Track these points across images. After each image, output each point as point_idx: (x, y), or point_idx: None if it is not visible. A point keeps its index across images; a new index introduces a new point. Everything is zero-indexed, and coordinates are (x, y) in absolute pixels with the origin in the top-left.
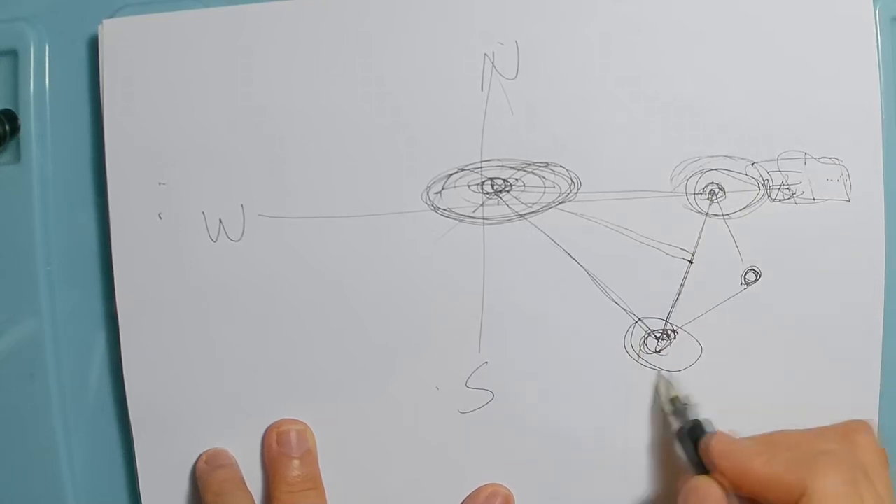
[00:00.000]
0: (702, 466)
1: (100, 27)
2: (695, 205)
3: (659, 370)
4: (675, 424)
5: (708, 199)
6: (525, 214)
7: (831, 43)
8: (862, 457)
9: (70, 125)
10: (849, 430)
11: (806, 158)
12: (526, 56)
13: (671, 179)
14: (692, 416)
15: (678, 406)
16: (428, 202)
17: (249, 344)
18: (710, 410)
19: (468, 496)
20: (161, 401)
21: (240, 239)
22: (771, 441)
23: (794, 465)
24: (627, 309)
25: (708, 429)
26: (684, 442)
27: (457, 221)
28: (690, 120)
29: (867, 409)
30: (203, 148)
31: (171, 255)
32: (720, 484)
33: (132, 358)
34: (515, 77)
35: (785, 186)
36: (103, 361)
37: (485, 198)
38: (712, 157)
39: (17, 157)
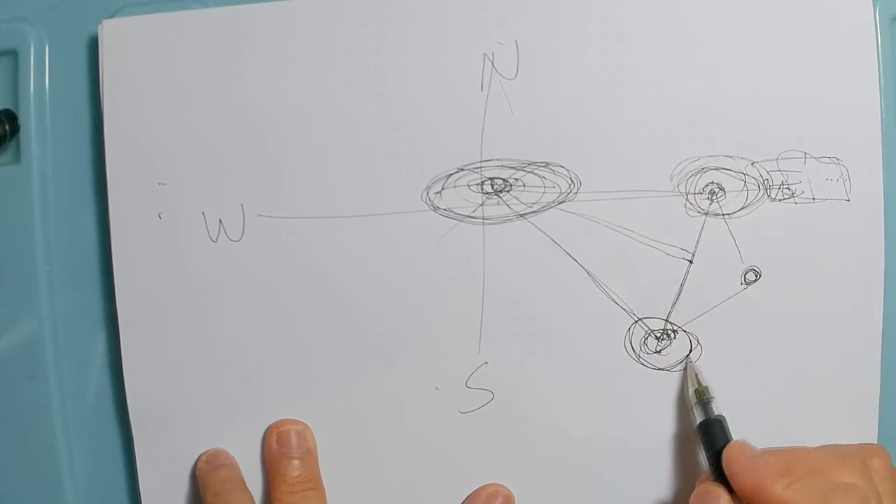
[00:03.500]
0: (718, 465)
1: (100, 27)
2: (695, 204)
3: (688, 360)
4: (698, 418)
5: (708, 198)
6: (525, 214)
7: (831, 43)
8: (878, 484)
9: (70, 125)
10: (866, 455)
11: (806, 158)
12: (526, 56)
13: (671, 179)
14: (715, 412)
15: (703, 399)
16: (428, 202)
17: (249, 344)
18: None
19: (468, 496)
20: (161, 401)
21: (240, 239)
22: (792, 460)
23: (818, 496)
24: (627, 309)
25: (728, 431)
26: (703, 438)
27: (457, 221)
28: (690, 120)
29: (867, 408)
30: (203, 148)
31: (171, 255)
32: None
33: (132, 358)
34: (515, 77)
35: (785, 186)
36: (103, 361)
37: (485, 198)
38: (712, 156)
39: (17, 157)
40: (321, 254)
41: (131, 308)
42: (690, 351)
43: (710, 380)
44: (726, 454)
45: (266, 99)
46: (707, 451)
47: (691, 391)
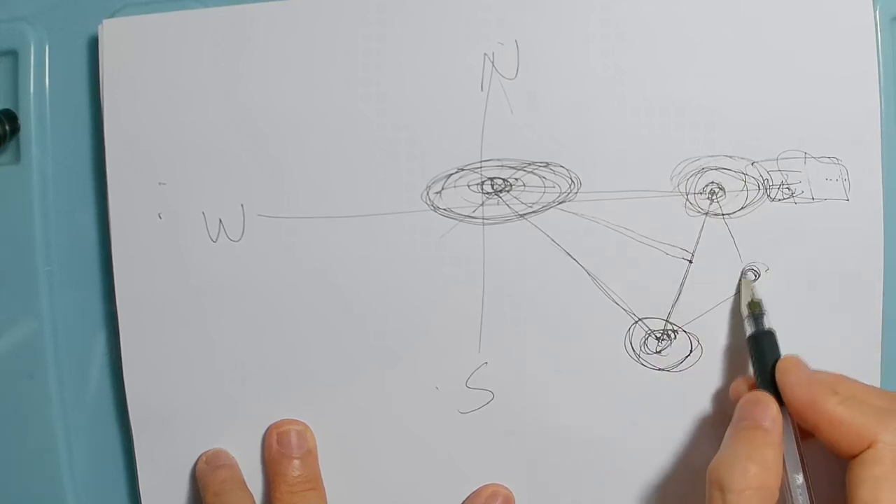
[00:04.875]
0: (766, 379)
1: (100, 27)
2: (695, 204)
3: (744, 271)
4: (749, 330)
5: (708, 198)
6: (525, 214)
7: (831, 43)
8: None
9: (70, 125)
10: None
11: (806, 158)
12: (526, 56)
13: (671, 179)
14: (766, 325)
15: (755, 313)
16: (428, 202)
17: (249, 344)
18: (710, 411)
19: (468, 497)
20: (161, 401)
21: (240, 239)
22: (839, 382)
23: (868, 413)
24: (627, 309)
25: (777, 345)
26: (753, 349)
27: (457, 221)
28: (690, 120)
29: None
30: (203, 148)
31: (171, 255)
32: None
33: (132, 358)
34: (515, 77)
35: (785, 186)
36: (103, 361)
37: (485, 198)
38: (712, 156)
39: (17, 157)
40: (321, 254)
41: (131, 308)
42: (742, 276)
43: (711, 381)
44: (781, 365)
45: (266, 99)
46: (756, 362)
47: (744, 303)
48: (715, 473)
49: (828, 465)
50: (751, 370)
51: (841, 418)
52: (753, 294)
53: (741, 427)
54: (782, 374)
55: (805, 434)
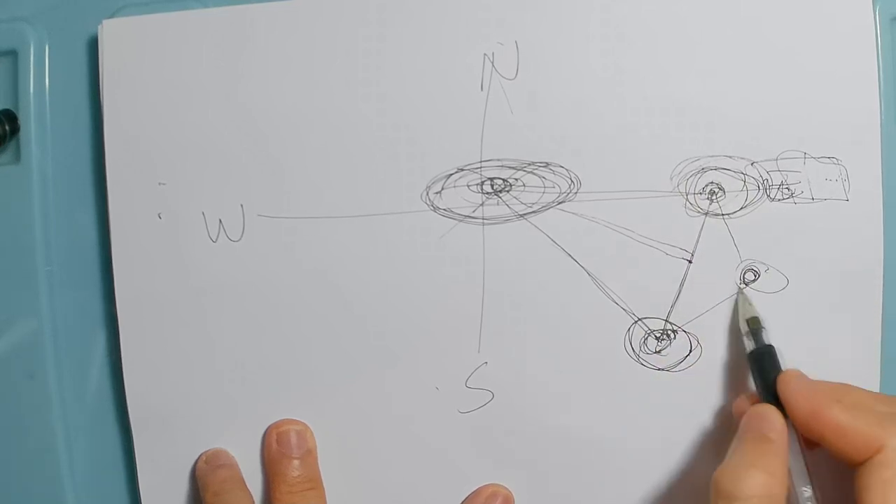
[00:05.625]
0: (768, 393)
1: (100, 27)
2: (694, 204)
3: (741, 288)
4: (749, 346)
5: (708, 198)
6: (525, 214)
7: (831, 43)
8: None
9: (70, 125)
10: None
11: (805, 158)
12: (525, 56)
13: (671, 179)
14: (766, 340)
15: (753, 328)
16: (428, 202)
17: (249, 344)
18: (710, 410)
19: (468, 497)
20: (161, 401)
21: (239, 239)
22: (843, 390)
23: (873, 419)
24: (627, 309)
25: (778, 359)
26: (754, 365)
27: (456, 221)
28: (690, 120)
29: None
30: (203, 148)
31: (171, 255)
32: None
33: (132, 358)
34: (515, 77)
35: (784, 186)
36: (103, 361)
37: (484, 198)
38: (712, 156)
39: (17, 157)
40: (321, 254)
41: (131, 308)
42: (744, 285)
43: (711, 381)
44: (782, 379)
45: (266, 99)
46: (758, 378)
47: (742, 319)
48: (720, 481)
49: (833, 474)
50: (751, 376)
51: (846, 426)
52: (752, 310)
53: (746, 438)
54: (785, 386)
55: (810, 444)
